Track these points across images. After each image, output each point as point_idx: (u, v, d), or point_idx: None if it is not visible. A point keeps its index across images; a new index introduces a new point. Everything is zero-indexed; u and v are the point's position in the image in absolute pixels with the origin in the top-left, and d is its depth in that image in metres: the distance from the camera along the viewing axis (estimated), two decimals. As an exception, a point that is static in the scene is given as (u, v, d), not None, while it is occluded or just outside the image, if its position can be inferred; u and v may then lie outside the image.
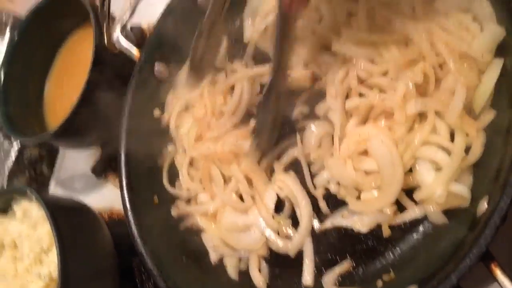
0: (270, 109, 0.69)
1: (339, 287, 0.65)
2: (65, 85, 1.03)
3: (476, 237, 0.50)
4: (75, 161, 1.11)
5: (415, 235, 0.62)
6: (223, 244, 0.72)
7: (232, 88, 0.79)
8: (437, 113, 0.60)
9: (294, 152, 0.72)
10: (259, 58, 0.79)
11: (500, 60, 0.58)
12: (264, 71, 0.76)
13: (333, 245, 0.67)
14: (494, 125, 0.58)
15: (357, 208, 0.64)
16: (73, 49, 1.05)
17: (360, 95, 0.66)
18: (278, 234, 0.69)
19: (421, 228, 0.62)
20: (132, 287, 0.88)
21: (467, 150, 0.58)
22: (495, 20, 0.59)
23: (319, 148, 0.70)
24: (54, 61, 1.06)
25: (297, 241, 0.68)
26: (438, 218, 0.59)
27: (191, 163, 0.80)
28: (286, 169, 0.73)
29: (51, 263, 0.81)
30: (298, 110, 0.74)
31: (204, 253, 0.75)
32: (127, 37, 0.87)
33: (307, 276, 0.67)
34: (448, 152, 0.59)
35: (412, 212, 0.62)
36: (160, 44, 0.86)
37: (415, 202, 0.62)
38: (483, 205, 0.54)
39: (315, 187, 0.69)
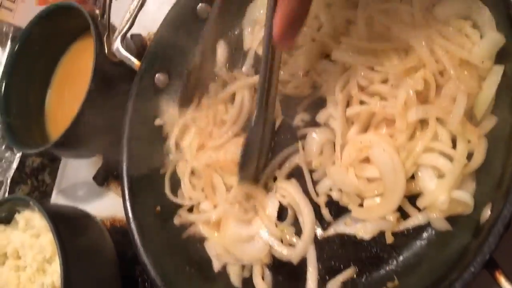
0: (256, 141, 0.69)
1: (343, 294, 0.65)
2: (66, 95, 1.03)
3: (480, 244, 0.50)
4: (77, 170, 1.11)
5: (418, 242, 0.62)
6: (226, 252, 0.72)
7: (233, 96, 0.79)
8: (439, 120, 0.60)
9: (295, 160, 0.72)
10: (259, 66, 0.79)
11: (500, 66, 0.58)
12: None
13: (336, 252, 0.67)
14: (496, 131, 0.58)
15: (360, 215, 0.64)
16: (74, 59, 1.05)
17: (361, 102, 0.66)
18: (282, 242, 0.69)
19: (424, 235, 0.61)
20: (135, 295, 0.88)
21: (469, 156, 0.58)
22: (495, 27, 0.59)
23: (321, 155, 0.70)
24: (55, 71, 1.06)
25: (300, 248, 0.67)
26: (442, 225, 0.59)
27: (193, 172, 0.80)
28: (288, 176, 0.73)
29: (54, 273, 0.81)
30: (299, 117, 0.74)
31: (207, 261, 0.75)
32: (127, 46, 0.87)
33: (311, 284, 0.66)
34: (450, 158, 0.59)
35: (415, 219, 0.61)
36: (160, 53, 0.86)
37: (418, 209, 0.62)
38: (487, 212, 0.54)
39: (317, 194, 0.69)
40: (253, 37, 0.82)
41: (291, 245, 0.69)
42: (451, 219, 0.59)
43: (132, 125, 0.83)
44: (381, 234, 0.63)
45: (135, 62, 0.86)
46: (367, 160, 0.65)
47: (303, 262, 0.68)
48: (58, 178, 1.13)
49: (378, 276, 0.64)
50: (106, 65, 0.87)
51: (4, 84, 1.01)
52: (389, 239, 0.63)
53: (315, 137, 0.70)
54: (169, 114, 0.82)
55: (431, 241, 0.61)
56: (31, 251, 0.84)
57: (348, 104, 0.68)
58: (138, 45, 1.00)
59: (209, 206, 0.76)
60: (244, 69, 0.82)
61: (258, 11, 0.82)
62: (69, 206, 0.97)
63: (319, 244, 0.68)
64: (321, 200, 0.68)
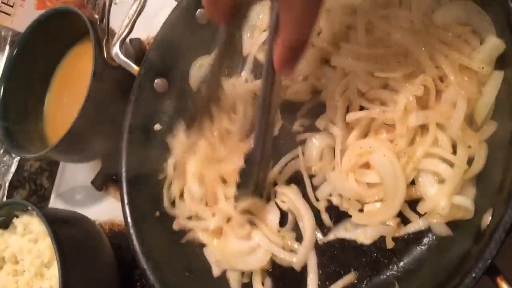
0: (256, 161, 0.68)
1: (344, 300, 0.64)
2: (65, 99, 1.03)
3: (481, 250, 0.50)
4: (76, 174, 1.10)
5: (419, 247, 0.62)
6: (226, 260, 0.71)
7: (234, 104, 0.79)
8: (439, 125, 0.60)
9: (295, 165, 0.72)
10: (258, 71, 0.79)
11: (500, 72, 0.58)
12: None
13: (337, 257, 0.67)
14: (496, 136, 0.58)
15: (360, 220, 0.64)
16: (73, 63, 1.05)
17: (361, 108, 0.66)
18: (283, 248, 0.69)
19: (425, 240, 0.61)
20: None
21: (470, 162, 0.58)
22: (495, 33, 0.59)
23: (321, 160, 0.70)
24: (54, 75, 1.06)
25: (302, 254, 0.67)
26: (442, 230, 0.59)
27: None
28: (288, 182, 0.72)
29: (52, 277, 0.81)
30: (299, 122, 0.74)
31: (207, 266, 0.75)
32: (126, 50, 0.87)
33: (312, 289, 0.66)
34: (451, 164, 0.59)
35: (416, 224, 0.61)
36: (159, 58, 0.86)
37: (419, 214, 0.62)
38: (487, 218, 0.53)
39: (317, 199, 0.69)
40: (253, 42, 0.82)
41: (292, 251, 0.69)
42: (452, 224, 0.59)
43: (131, 129, 0.83)
44: (382, 239, 0.63)
45: (134, 67, 0.86)
46: (367, 165, 0.65)
47: (303, 268, 0.68)
48: (57, 182, 1.13)
49: (378, 281, 0.63)
50: (105, 69, 0.87)
51: (2, 88, 1.01)
52: (390, 244, 0.62)
53: (315, 142, 0.70)
54: (179, 137, 0.80)
55: (432, 247, 0.61)
56: (29, 256, 0.83)
57: (348, 110, 0.68)
58: (137, 49, 1.00)
59: (208, 213, 0.75)
60: (243, 74, 0.82)
61: (257, 16, 0.82)
62: (68, 211, 0.97)
63: (320, 249, 0.68)
64: (321, 206, 0.68)
